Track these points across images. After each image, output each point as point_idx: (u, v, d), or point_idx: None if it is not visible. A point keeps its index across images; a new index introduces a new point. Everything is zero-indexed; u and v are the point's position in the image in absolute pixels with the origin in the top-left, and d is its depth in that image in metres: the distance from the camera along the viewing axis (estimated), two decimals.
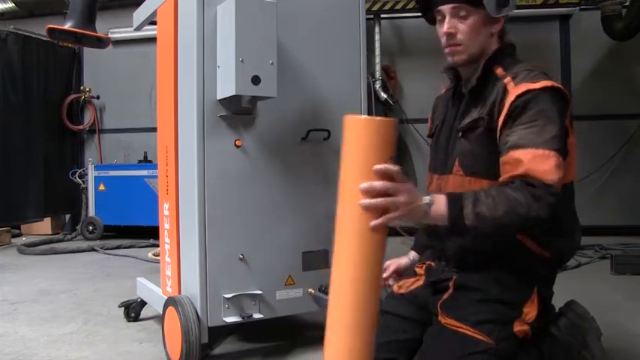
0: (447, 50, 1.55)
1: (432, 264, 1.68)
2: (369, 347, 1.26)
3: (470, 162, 1.51)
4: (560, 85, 1.43)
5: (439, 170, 1.63)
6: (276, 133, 2.17)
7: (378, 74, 5.68)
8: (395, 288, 1.73)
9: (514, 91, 1.41)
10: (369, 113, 2.36)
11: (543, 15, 5.71)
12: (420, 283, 1.67)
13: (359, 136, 1.22)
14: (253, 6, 1.94)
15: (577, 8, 5.62)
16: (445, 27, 1.51)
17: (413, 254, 1.85)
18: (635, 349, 2.23)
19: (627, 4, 5.20)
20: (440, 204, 1.31)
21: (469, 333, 1.39)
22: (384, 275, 1.77)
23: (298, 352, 2.26)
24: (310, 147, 2.25)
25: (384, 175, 1.21)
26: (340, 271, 1.26)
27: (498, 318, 1.41)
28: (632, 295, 3.11)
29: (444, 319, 1.46)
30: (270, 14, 1.97)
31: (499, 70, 1.50)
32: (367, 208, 1.21)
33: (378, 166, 1.20)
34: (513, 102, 1.40)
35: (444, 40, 1.54)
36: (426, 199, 1.30)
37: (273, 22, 1.97)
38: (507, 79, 1.45)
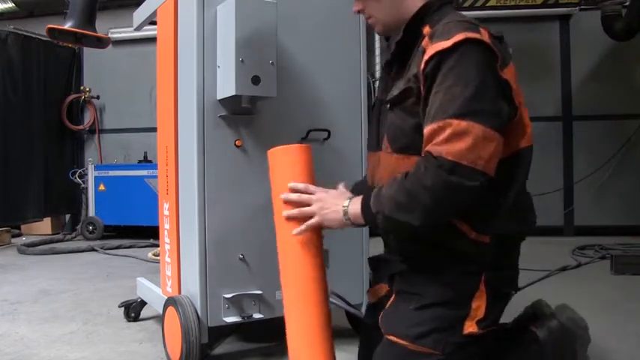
0: None
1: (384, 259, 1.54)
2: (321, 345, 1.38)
3: (397, 137, 1.33)
4: (477, 35, 1.17)
5: (372, 148, 1.47)
6: (276, 133, 2.17)
7: (378, 74, 5.68)
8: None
9: (426, 54, 1.22)
10: (369, 113, 2.36)
11: (543, 15, 5.71)
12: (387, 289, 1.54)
13: (276, 162, 1.48)
14: (253, 6, 1.94)
15: (577, 8, 5.63)
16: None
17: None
18: (635, 350, 2.23)
19: (627, 4, 5.20)
20: (356, 205, 1.30)
21: (414, 349, 1.25)
22: None
23: None
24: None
25: (296, 192, 1.39)
26: (284, 282, 1.47)
27: (442, 324, 1.25)
28: (632, 295, 3.11)
29: (386, 335, 1.31)
30: (270, 14, 1.97)
31: (426, 29, 1.28)
32: (289, 219, 1.41)
33: (290, 185, 1.40)
34: (424, 70, 1.21)
35: None
36: (346, 202, 1.33)
37: (273, 22, 1.97)
38: (425, 40, 1.24)
